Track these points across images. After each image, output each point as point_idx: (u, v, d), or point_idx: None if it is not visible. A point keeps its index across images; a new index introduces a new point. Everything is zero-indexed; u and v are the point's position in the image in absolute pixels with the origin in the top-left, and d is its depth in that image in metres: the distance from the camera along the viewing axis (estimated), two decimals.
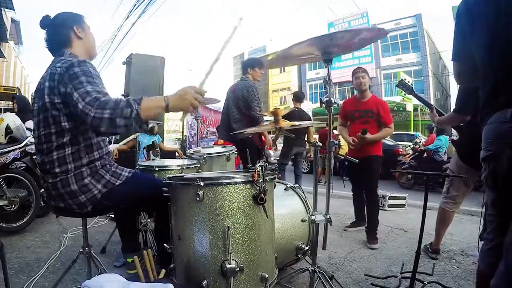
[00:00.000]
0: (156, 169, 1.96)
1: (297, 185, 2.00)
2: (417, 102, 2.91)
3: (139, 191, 1.45)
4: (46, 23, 1.44)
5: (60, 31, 1.43)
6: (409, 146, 8.49)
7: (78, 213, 1.38)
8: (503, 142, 0.99)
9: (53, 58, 1.42)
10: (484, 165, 1.11)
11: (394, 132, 4.94)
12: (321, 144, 1.74)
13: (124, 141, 3.40)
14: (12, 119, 3.05)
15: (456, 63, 1.27)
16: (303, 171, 5.66)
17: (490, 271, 1.07)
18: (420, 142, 8.16)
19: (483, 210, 2.21)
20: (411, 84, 2.80)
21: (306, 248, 1.79)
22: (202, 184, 1.18)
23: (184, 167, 2.01)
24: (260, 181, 1.23)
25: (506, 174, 0.98)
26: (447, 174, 2.17)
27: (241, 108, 3.07)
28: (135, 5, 8.56)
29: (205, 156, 2.20)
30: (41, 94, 1.30)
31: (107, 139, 1.54)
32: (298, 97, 4.74)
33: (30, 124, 3.61)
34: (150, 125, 3.56)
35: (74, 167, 1.31)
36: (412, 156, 7.17)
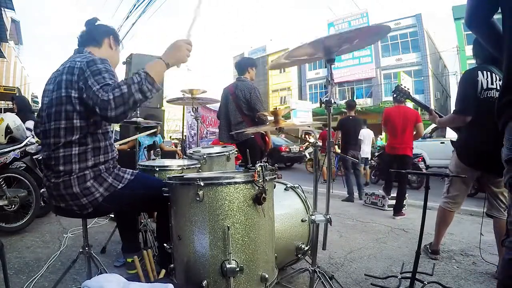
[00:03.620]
0: (157, 169, 1.96)
1: (297, 185, 2.00)
2: None
3: (141, 194, 1.44)
4: (91, 22, 1.53)
5: (98, 30, 1.51)
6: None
7: (78, 214, 1.38)
8: None
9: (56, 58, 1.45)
10: (508, 166, 0.97)
11: None
12: (321, 144, 1.74)
13: (124, 140, 3.38)
14: (12, 119, 3.05)
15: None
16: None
17: (511, 283, 0.94)
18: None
19: (481, 211, 2.23)
20: (408, 88, 2.81)
21: (306, 248, 1.78)
22: (202, 184, 1.18)
23: (185, 167, 2.01)
24: (260, 181, 1.23)
25: None
26: (447, 174, 2.18)
27: (242, 110, 3.02)
28: (135, 5, 8.56)
29: (205, 156, 2.19)
30: (57, 87, 1.31)
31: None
32: (351, 105, 5.09)
33: (30, 124, 3.62)
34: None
35: (78, 169, 1.30)
36: (376, 154, 7.71)
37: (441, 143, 8.06)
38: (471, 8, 1.13)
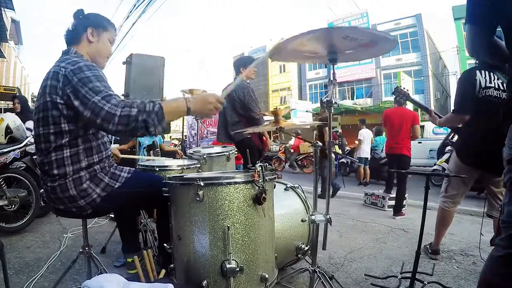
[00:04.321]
0: (157, 169, 1.96)
1: (297, 185, 2.00)
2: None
3: (139, 191, 1.44)
4: (75, 15, 1.46)
5: (77, 26, 1.43)
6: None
7: (78, 215, 1.38)
8: None
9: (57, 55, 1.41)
10: (509, 166, 0.97)
11: None
12: (321, 144, 1.74)
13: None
14: (12, 119, 3.05)
15: (472, 27, 1.10)
16: None
17: (500, 282, 0.96)
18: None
19: (481, 211, 2.23)
20: (407, 90, 2.82)
21: (306, 248, 1.78)
22: (202, 184, 1.18)
23: (184, 167, 2.01)
24: (260, 181, 1.23)
25: None
26: (447, 174, 2.18)
27: (238, 110, 3.05)
28: (135, 5, 8.56)
29: (205, 156, 2.19)
30: (42, 93, 1.28)
31: (108, 138, 1.53)
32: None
33: (30, 124, 3.62)
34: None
35: (72, 171, 1.29)
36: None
37: (418, 142, 8.28)
38: (472, 33, 1.12)
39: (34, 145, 1.43)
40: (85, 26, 1.42)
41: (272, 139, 3.72)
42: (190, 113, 1.25)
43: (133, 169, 1.52)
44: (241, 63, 3.22)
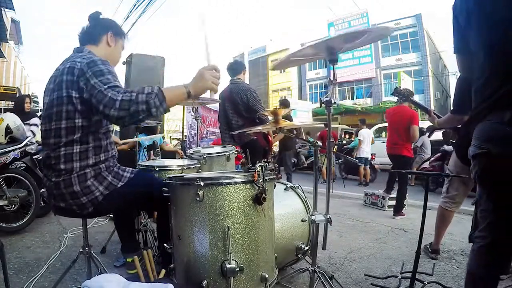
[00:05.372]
0: (157, 169, 1.96)
1: (297, 185, 2.00)
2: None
3: (141, 192, 1.45)
4: (93, 17, 1.50)
5: (96, 27, 1.47)
6: None
7: (78, 213, 1.38)
8: (498, 143, 0.99)
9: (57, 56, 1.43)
10: (474, 161, 1.10)
11: None
12: (321, 144, 1.74)
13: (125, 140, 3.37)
14: (12, 119, 3.05)
15: (458, 55, 1.28)
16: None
17: (484, 272, 1.02)
18: None
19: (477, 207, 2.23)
20: (407, 90, 2.83)
21: (306, 248, 1.79)
22: (202, 184, 1.18)
23: (185, 167, 2.01)
24: (260, 181, 1.23)
25: (501, 172, 1.00)
26: (447, 174, 2.18)
27: (242, 113, 3.00)
28: (135, 5, 8.55)
29: (205, 156, 2.19)
30: (58, 88, 1.30)
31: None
32: (286, 104, 5.20)
33: (35, 120, 3.66)
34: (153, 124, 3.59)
35: (79, 167, 1.30)
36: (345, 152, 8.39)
37: (382, 142, 8.27)
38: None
39: (41, 140, 1.44)
40: (106, 29, 1.48)
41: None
42: (192, 96, 1.26)
43: (136, 169, 1.52)
44: (241, 66, 3.21)
